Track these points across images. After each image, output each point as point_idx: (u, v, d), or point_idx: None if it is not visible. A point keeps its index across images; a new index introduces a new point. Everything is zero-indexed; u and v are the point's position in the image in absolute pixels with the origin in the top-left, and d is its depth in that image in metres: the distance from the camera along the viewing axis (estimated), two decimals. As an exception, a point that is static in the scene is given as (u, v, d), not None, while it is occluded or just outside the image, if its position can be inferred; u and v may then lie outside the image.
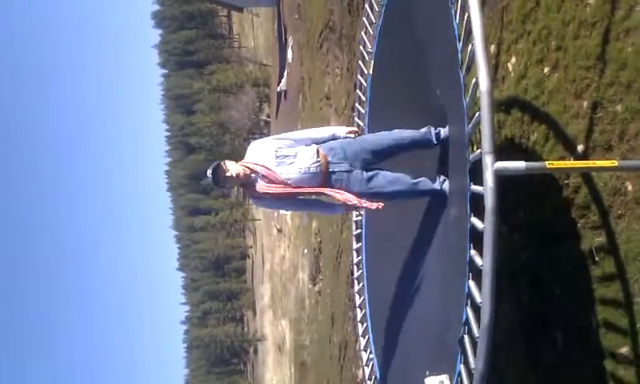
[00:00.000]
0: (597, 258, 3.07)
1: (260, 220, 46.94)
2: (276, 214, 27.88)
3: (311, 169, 3.92)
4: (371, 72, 5.09)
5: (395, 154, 4.10)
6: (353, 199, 3.87)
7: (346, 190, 3.94)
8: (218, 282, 73.03)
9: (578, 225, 3.21)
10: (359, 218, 5.51)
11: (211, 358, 71.89)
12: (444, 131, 4.02)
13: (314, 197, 4.18)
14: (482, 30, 2.46)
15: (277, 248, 31.11)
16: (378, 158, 4.05)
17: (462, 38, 2.82)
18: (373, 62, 5.04)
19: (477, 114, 2.49)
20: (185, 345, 79.02)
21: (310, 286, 16.03)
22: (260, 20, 40.45)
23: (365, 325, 4.98)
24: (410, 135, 4.04)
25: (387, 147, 4.05)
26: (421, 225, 4.11)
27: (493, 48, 4.26)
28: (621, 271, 2.91)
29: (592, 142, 3.11)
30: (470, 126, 2.69)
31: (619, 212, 2.95)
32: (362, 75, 5.34)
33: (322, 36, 13.02)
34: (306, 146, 4.05)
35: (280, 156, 3.95)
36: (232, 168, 3.94)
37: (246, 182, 3.99)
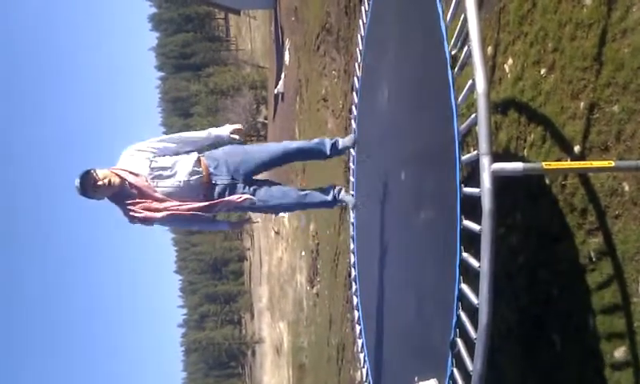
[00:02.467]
0: (594, 259, 3.08)
1: (257, 222, 46.86)
2: (273, 216, 27.85)
3: (191, 181, 3.72)
4: (359, 73, 5.10)
5: (281, 164, 4.04)
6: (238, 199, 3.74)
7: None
8: (216, 284, 73.01)
9: (575, 225, 3.21)
10: (353, 220, 5.51)
11: (209, 361, 71.81)
12: (342, 141, 4.03)
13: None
14: (478, 30, 2.46)
15: (274, 250, 31.07)
16: (263, 168, 3.96)
17: (458, 39, 2.82)
18: (362, 62, 5.05)
19: (473, 115, 2.49)
20: (182, 348, 78.94)
21: (308, 288, 16.01)
22: (257, 22, 40.46)
23: (361, 327, 4.98)
24: (298, 145, 4.01)
25: (272, 158, 3.96)
26: (411, 227, 4.10)
27: (490, 50, 4.27)
28: (618, 272, 2.92)
29: (589, 142, 3.11)
30: (465, 126, 2.69)
31: (616, 212, 2.95)
32: (358, 77, 5.34)
33: (318, 38, 13.02)
34: (186, 154, 3.83)
35: (155, 168, 3.71)
36: (104, 175, 3.62)
37: (120, 193, 3.69)
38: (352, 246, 5.52)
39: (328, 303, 12.30)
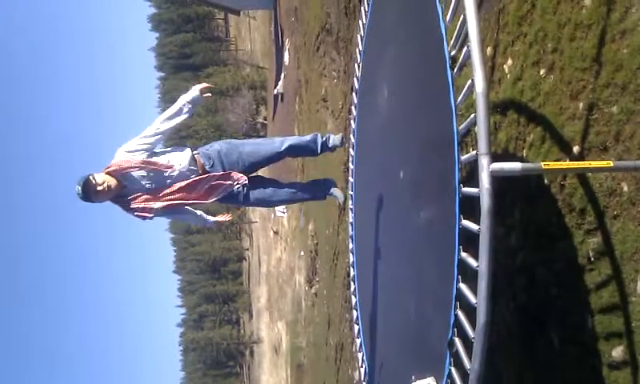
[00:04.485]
0: (593, 259, 3.09)
1: (256, 222, 46.89)
2: (272, 216, 27.86)
3: (186, 173, 3.84)
4: (359, 73, 5.11)
5: (274, 162, 4.13)
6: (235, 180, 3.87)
7: (224, 200, 3.95)
8: (215, 284, 72.90)
9: (574, 225, 3.22)
10: (352, 220, 5.52)
11: (207, 361, 71.73)
12: (333, 139, 4.08)
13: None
14: (477, 31, 2.47)
15: (273, 250, 31.07)
16: (256, 166, 4.05)
17: (457, 40, 2.83)
18: (361, 62, 5.06)
19: (472, 115, 2.50)
20: (181, 347, 78.88)
21: (307, 288, 16.02)
22: (257, 23, 40.43)
23: (359, 327, 4.98)
24: (291, 143, 4.07)
25: (265, 156, 4.04)
26: (410, 227, 4.11)
27: (489, 50, 4.28)
28: (616, 271, 2.93)
29: (588, 143, 3.12)
30: (464, 126, 2.70)
31: (615, 212, 2.96)
32: (358, 77, 5.35)
33: (318, 38, 13.03)
34: (180, 151, 3.93)
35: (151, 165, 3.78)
36: (103, 180, 3.68)
37: (120, 194, 3.77)
38: (351, 246, 5.53)
39: (326, 303, 12.30)
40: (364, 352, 4.73)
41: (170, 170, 3.79)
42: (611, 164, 2.60)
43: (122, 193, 3.77)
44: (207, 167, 3.90)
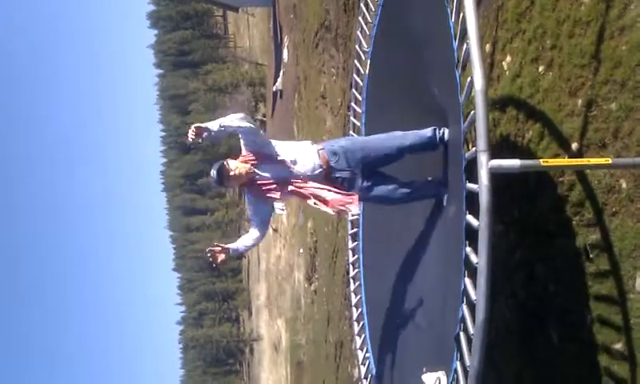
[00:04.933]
0: (591, 255, 3.09)
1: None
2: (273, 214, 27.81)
3: (312, 175, 3.89)
4: (367, 71, 5.10)
5: (398, 159, 4.02)
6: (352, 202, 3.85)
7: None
8: (214, 282, 72.91)
9: (573, 222, 3.22)
10: (355, 217, 5.52)
11: (207, 359, 71.78)
12: (447, 132, 3.98)
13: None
14: (476, 29, 2.47)
15: (272, 247, 31.08)
16: (381, 164, 4.01)
17: (457, 37, 2.83)
18: (369, 61, 5.05)
19: (472, 112, 2.50)
20: (180, 345, 78.91)
21: (306, 285, 16.02)
22: (255, 20, 40.37)
23: (361, 323, 4.99)
24: (414, 139, 3.93)
25: (389, 154, 3.97)
26: (417, 223, 4.12)
27: (488, 47, 4.28)
28: (615, 268, 2.93)
29: (586, 139, 3.13)
30: (465, 124, 2.71)
31: (613, 209, 2.96)
32: (357, 74, 5.35)
33: (317, 35, 13.02)
34: (304, 147, 3.99)
35: (280, 159, 3.90)
36: (236, 166, 3.87)
37: (249, 181, 3.93)
38: (353, 244, 5.53)
39: (326, 300, 12.31)
40: (368, 347, 4.73)
41: (294, 166, 3.89)
42: (610, 161, 2.61)
43: (252, 179, 3.93)
44: (332, 162, 3.91)
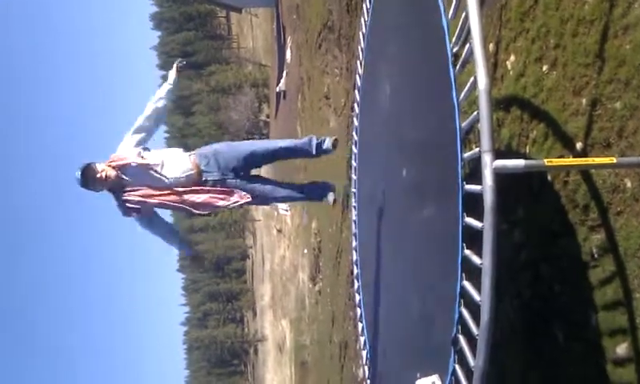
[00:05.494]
0: (596, 255, 3.08)
1: (260, 220, 46.95)
2: (276, 214, 27.88)
3: (182, 179, 3.88)
4: (361, 71, 5.10)
5: (269, 162, 4.29)
6: (236, 200, 3.93)
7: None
8: (218, 282, 73.06)
9: (578, 222, 3.21)
10: (356, 218, 5.51)
11: (211, 359, 71.94)
12: (328, 141, 4.12)
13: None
14: (480, 28, 2.46)
15: (277, 248, 31.11)
16: (251, 165, 4.09)
17: (457, 36, 2.82)
18: (363, 60, 5.05)
19: (475, 112, 2.49)
20: (185, 346, 79.08)
21: (310, 285, 16.03)
22: (259, 20, 40.44)
23: (363, 324, 4.98)
24: (286, 144, 4.15)
25: (260, 156, 4.11)
26: (414, 224, 4.11)
27: (491, 46, 4.27)
28: (620, 268, 2.92)
29: (591, 139, 3.12)
30: (467, 123, 2.69)
31: (618, 209, 2.95)
32: (360, 75, 5.34)
33: (320, 36, 13.02)
34: (175, 152, 4.01)
35: (144, 164, 3.87)
36: (103, 169, 3.81)
37: (117, 184, 3.86)
38: (354, 244, 5.53)
39: (330, 301, 12.31)
40: (368, 349, 4.73)
41: (162, 169, 3.87)
42: (615, 160, 2.60)
43: (120, 184, 3.87)
44: (202, 166, 3.94)
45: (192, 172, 3.91)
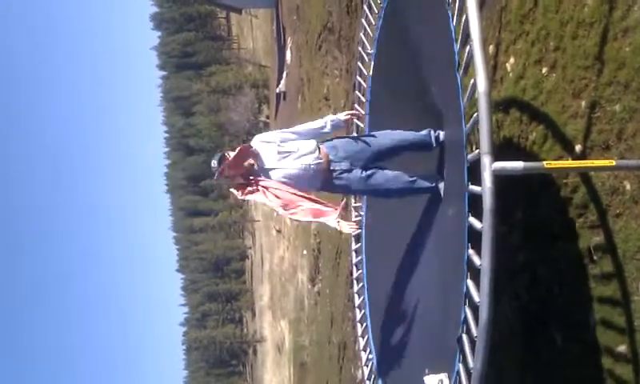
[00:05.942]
0: (595, 257, 3.09)
1: (259, 221, 46.94)
2: (275, 214, 27.88)
3: (312, 165, 3.99)
4: (371, 73, 5.11)
5: (395, 155, 4.16)
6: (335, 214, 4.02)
7: (344, 189, 4.09)
8: (218, 283, 73.02)
9: (577, 224, 3.22)
10: (359, 218, 5.52)
11: (210, 360, 71.85)
12: (443, 134, 4.07)
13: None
14: (479, 30, 2.47)
15: (276, 249, 31.11)
16: (378, 158, 4.11)
17: (459, 39, 2.83)
18: (372, 63, 5.06)
19: (475, 114, 2.50)
20: (184, 346, 78.97)
21: (310, 286, 16.03)
22: (259, 21, 40.45)
23: (364, 325, 4.99)
24: (411, 137, 4.09)
25: (387, 148, 4.12)
26: (420, 225, 4.12)
27: (491, 49, 4.28)
28: (619, 270, 2.93)
29: (590, 141, 3.12)
30: (468, 126, 2.71)
31: (617, 211, 2.96)
32: (360, 76, 5.35)
33: (320, 37, 13.03)
34: (306, 140, 4.11)
35: (282, 152, 4.02)
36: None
37: (249, 173, 4.03)
38: (359, 245, 5.53)
39: (329, 302, 12.31)
40: (371, 348, 4.73)
41: (294, 157, 4.00)
42: (614, 163, 2.60)
43: (251, 173, 4.04)
44: (331, 156, 4.02)
45: (321, 160, 4.00)
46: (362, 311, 5.15)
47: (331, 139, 4.22)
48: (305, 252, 17.59)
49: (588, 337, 3.08)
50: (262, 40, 39.76)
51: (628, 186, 2.91)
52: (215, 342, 66.60)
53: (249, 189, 4.05)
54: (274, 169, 4.01)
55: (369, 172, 4.01)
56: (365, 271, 5.28)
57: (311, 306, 16.17)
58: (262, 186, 3.99)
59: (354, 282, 5.46)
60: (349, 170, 4.01)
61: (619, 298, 2.92)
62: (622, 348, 2.90)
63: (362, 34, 5.23)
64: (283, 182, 3.99)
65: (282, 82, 23.27)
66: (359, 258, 5.42)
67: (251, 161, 3.99)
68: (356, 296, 5.37)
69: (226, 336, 66.37)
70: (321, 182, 4.06)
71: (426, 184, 3.97)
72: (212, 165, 4.03)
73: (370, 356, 4.73)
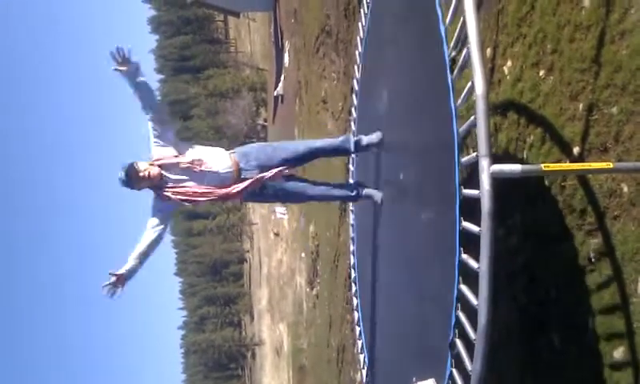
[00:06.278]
0: (593, 260, 3.09)
1: (257, 224, 46.90)
2: (273, 217, 27.87)
3: (222, 174, 3.97)
4: (358, 75, 5.12)
5: (308, 161, 4.26)
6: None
7: (255, 197, 4.10)
8: (216, 286, 72.85)
9: (575, 227, 3.22)
10: (353, 222, 5.52)
11: (209, 363, 71.64)
12: (367, 138, 4.13)
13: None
14: (477, 33, 2.47)
15: (274, 252, 31.07)
16: (289, 164, 4.14)
17: (457, 41, 2.83)
18: (361, 64, 5.07)
19: (472, 117, 2.50)
20: (182, 350, 78.83)
21: (308, 289, 16.01)
22: (256, 25, 40.43)
23: (359, 329, 4.98)
24: (323, 143, 4.21)
25: (299, 154, 4.16)
26: (411, 229, 4.11)
27: (489, 51, 4.29)
28: (617, 272, 2.93)
29: (588, 144, 3.13)
30: (464, 128, 2.70)
31: (615, 213, 2.96)
32: (357, 80, 5.35)
33: (318, 40, 13.04)
34: (215, 150, 4.08)
35: (192, 160, 3.96)
36: (146, 168, 3.87)
37: (159, 184, 3.95)
38: (352, 248, 5.53)
39: (328, 305, 12.30)
40: (365, 353, 4.73)
41: (204, 167, 3.95)
42: (611, 165, 2.61)
43: (162, 182, 3.95)
44: (242, 164, 4.01)
45: (231, 170, 3.98)
46: (359, 313, 5.14)
47: (242, 145, 4.22)
48: (303, 255, 17.58)
49: (587, 339, 3.08)
50: (260, 43, 39.76)
51: (625, 189, 2.91)
52: (214, 346, 66.42)
53: (164, 194, 3.97)
54: (184, 178, 3.95)
55: (279, 181, 4.06)
56: (357, 274, 5.28)
57: (309, 308, 16.15)
58: (172, 192, 3.94)
59: (352, 284, 5.46)
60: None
61: (618, 301, 2.92)
62: (621, 350, 2.90)
63: (359, 37, 5.24)
64: (193, 191, 3.94)
65: (280, 85, 23.27)
66: (354, 260, 5.43)
67: (155, 170, 3.88)
68: (354, 298, 5.36)
69: (224, 339, 66.21)
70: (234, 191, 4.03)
71: (343, 194, 4.16)
72: (119, 176, 3.88)
73: (366, 360, 4.72)
